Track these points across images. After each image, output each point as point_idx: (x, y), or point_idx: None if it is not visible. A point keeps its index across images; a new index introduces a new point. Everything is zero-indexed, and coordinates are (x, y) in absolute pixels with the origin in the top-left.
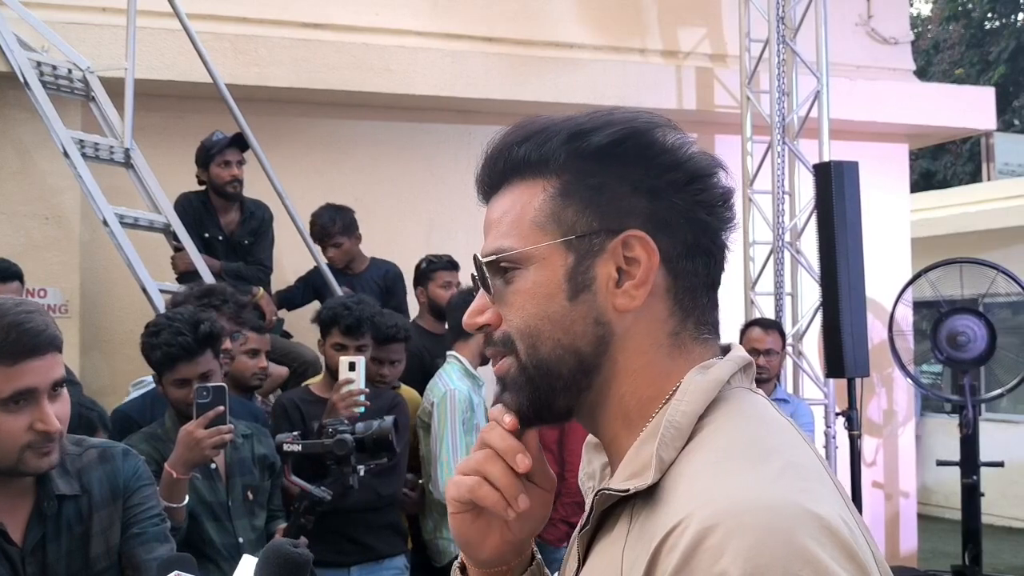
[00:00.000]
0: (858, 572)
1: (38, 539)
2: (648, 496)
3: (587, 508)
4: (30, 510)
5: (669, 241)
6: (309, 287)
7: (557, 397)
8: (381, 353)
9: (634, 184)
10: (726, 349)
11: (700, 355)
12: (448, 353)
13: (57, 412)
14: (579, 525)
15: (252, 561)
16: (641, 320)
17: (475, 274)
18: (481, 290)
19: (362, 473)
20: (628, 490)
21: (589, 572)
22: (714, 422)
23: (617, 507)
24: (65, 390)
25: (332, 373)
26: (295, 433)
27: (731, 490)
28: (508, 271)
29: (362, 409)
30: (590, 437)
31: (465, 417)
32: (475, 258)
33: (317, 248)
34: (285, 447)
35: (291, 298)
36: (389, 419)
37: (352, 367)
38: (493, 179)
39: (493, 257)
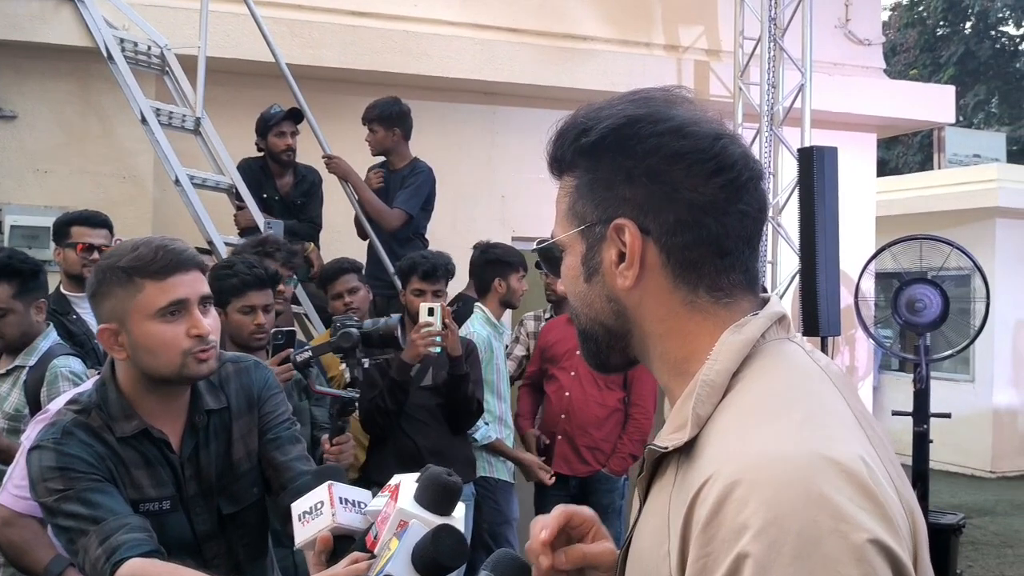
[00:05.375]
0: (876, 509)
1: (192, 448)
2: (688, 449)
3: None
4: (184, 424)
5: (655, 222)
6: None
7: (608, 356)
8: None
9: (626, 174)
10: (765, 303)
11: (727, 317)
12: (475, 305)
13: (209, 324)
14: (622, 471)
15: (409, 480)
16: (647, 294)
17: (539, 257)
18: None
19: (367, 365)
20: (668, 447)
21: (646, 514)
22: (745, 378)
23: (667, 456)
24: (214, 308)
25: (412, 318)
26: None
27: (754, 445)
28: (561, 254)
29: (439, 349)
30: None
31: (485, 357)
32: (536, 244)
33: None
34: (299, 358)
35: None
36: (395, 317)
37: (431, 312)
38: (552, 175)
39: (545, 244)
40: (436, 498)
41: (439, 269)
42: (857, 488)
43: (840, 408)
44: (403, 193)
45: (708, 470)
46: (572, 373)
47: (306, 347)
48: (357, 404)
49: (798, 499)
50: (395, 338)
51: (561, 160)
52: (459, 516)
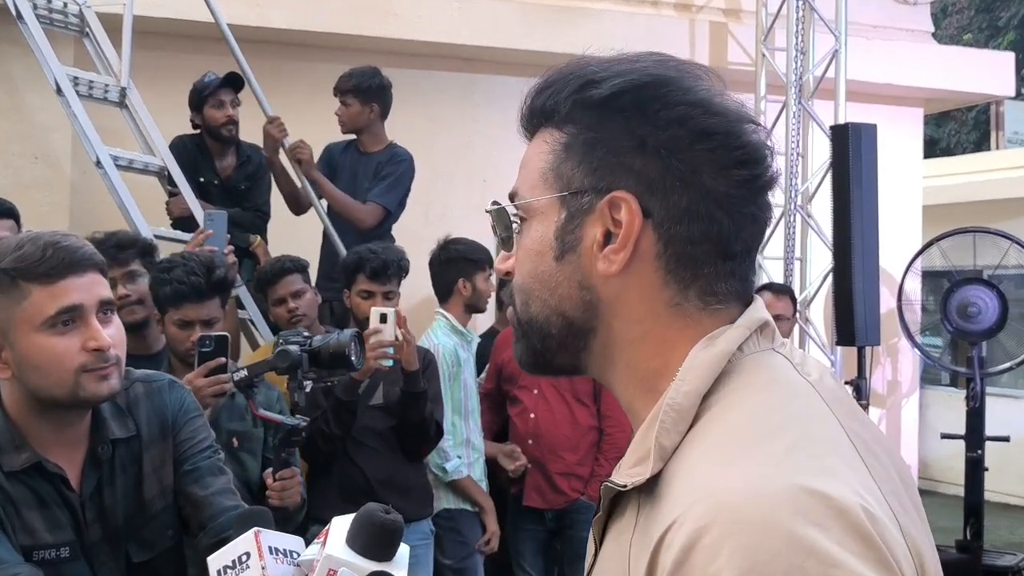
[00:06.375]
0: (867, 551)
1: (95, 485)
2: (652, 486)
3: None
4: (85, 455)
5: (661, 204)
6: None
7: (554, 354)
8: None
9: (638, 141)
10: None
11: (710, 326)
12: (436, 311)
13: (111, 335)
14: (594, 510)
15: (343, 524)
16: (631, 287)
17: (492, 219)
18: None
19: (308, 389)
20: (626, 485)
21: (604, 558)
22: (720, 401)
23: (626, 493)
24: (117, 315)
25: (359, 323)
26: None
27: (729, 481)
28: (521, 221)
29: (390, 362)
30: None
31: (452, 372)
32: (491, 204)
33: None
34: (235, 377)
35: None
36: (349, 332)
37: (384, 319)
38: (525, 127)
39: (500, 205)
40: (371, 541)
41: (390, 267)
42: (848, 528)
43: (833, 432)
44: (380, 185)
45: (675, 511)
46: (535, 391)
47: (241, 366)
48: (303, 433)
49: (779, 543)
50: (346, 357)
51: (551, 111)
52: (401, 561)
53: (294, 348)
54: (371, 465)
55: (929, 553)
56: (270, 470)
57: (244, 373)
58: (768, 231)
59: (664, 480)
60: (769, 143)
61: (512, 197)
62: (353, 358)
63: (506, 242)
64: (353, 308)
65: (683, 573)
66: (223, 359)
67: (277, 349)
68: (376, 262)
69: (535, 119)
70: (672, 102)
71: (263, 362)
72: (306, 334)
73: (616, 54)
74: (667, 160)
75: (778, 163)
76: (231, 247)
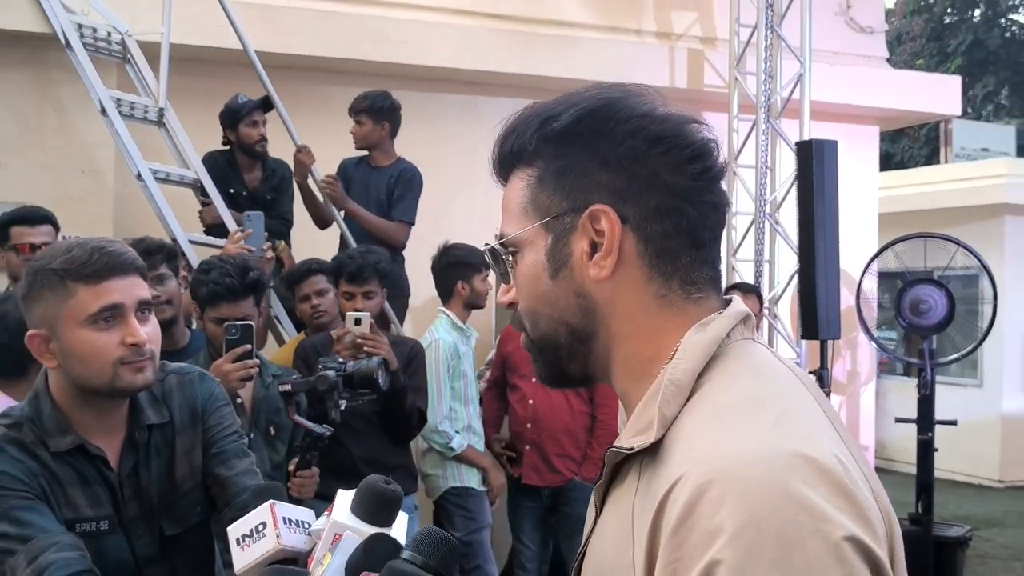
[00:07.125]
0: (850, 507)
1: (132, 466)
2: (653, 452)
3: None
4: (123, 439)
5: (634, 208)
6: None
7: (567, 365)
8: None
9: (601, 159)
10: (728, 303)
11: (695, 314)
12: (438, 309)
13: (147, 332)
14: (595, 479)
15: (346, 496)
16: (621, 287)
17: (489, 260)
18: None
19: (343, 407)
20: (632, 448)
21: (604, 523)
22: (713, 378)
23: (627, 462)
24: (153, 314)
25: (346, 321)
26: (295, 376)
27: (727, 444)
28: (513, 255)
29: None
30: None
31: (451, 364)
32: (484, 246)
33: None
34: (280, 388)
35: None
36: (376, 359)
37: (358, 322)
38: (499, 174)
39: (492, 244)
40: (373, 508)
41: (366, 270)
42: (834, 487)
43: (810, 406)
44: (401, 203)
45: (678, 471)
46: (534, 379)
47: (287, 380)
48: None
49: (776, 499)
50: (374, 380)
51: (520, 152)
52: (400, 526)
53: (331, 373)
54: (357, 445)
55: (893, 512)
56: (296, 460)
57: (288, 387)
58: (740, 236)
59: (665, 447)
60: (712, 136)
61: (501, 238)
62: (380, 381)
63: (504, 276)
64: (340, 307)
65: (687, 525)
66: (249, 345)
67: (318, 374)
68: (352, 267)
69: (506, 164)
70: (623, 118)
71: (305, 380)
72: (341, 360)
73: (563, 94)
74: (629, 169)
75: (747, 174)
76: (269, 244)
